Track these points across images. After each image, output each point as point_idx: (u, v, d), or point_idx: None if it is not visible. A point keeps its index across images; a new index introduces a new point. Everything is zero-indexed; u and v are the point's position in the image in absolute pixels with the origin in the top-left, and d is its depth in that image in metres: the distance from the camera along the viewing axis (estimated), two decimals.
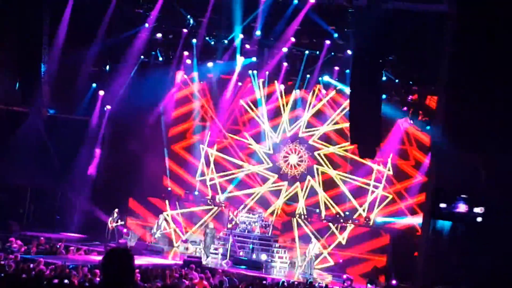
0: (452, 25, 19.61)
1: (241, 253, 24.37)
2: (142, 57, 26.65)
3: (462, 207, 20.03)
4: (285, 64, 26.34)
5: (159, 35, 25.96)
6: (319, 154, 27.37)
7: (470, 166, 19.44)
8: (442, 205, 20.15)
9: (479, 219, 19.87)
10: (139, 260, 20.02)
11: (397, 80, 24.56)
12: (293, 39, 24.97)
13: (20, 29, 21.98)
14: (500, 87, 19.06)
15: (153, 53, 26.88)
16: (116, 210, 24.80)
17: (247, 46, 25.81)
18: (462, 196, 20.04)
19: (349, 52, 24.12)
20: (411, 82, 24.48)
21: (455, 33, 19.52)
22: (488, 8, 19.03)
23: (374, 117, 20.06)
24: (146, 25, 25.23)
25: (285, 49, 25.48)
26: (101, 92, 26.89)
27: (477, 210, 19.86)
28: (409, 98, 24.59)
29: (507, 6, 18.76)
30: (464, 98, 19.57)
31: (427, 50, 22.21)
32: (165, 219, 26.00)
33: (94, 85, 26.89)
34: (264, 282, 19.33)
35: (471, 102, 19.35)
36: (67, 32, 24.03)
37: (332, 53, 25.24)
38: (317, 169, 27.25)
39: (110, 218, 24.62)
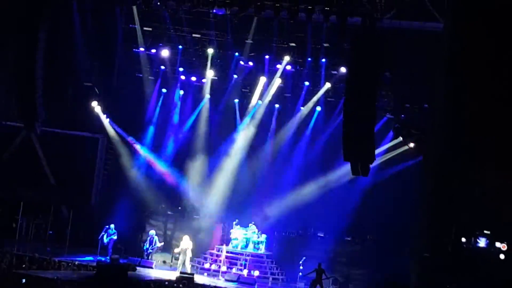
0: (447, 42, 19.68)
1: (233, 270, 24.19)
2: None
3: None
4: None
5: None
6: None
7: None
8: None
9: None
10: (131, 275, 19.90)
11: (390, 98, 24.71)
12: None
13: (17, 45, 22.15)
14: (495, 105, 19.01)
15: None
16: (112, 225, 24.62)
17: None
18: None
19: (343, 69, 24.38)
20: (404, 100, 24.56)
21: (449, 50, 19.59)
22: (484, 26, 19.13)
23: (368, 135, 20.10)
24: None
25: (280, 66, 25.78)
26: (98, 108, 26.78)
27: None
28: (402, 115, 24.63)
29: (502, 24, 18.86)
30: (459, 115, 19.52)
31: (421, 68, 22.31)
32: (156, 235, 25.66)
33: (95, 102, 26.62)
34: None
35: (466, 120, 19.29)
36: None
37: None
38: None
39: (104, 234, 24.48)
